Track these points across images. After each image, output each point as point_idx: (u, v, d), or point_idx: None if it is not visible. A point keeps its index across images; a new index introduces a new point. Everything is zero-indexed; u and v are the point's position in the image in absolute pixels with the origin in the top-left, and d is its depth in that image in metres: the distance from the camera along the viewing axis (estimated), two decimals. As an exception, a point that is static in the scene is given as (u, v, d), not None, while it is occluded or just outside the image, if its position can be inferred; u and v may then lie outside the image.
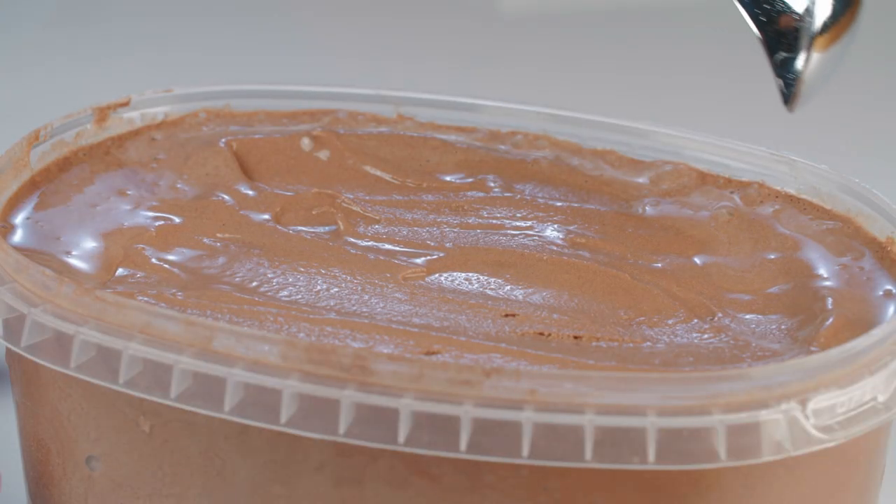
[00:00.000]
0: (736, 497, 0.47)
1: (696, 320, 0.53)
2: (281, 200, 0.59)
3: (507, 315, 0.53)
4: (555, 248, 0.57)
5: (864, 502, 0.51)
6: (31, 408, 0.52)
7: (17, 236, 0.55)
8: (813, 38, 0.49)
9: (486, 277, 0.55)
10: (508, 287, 0.55)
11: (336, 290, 0.54)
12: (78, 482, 0.51)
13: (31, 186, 0.58)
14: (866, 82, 1.26)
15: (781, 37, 0.51)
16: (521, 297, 0.54)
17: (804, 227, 0.58)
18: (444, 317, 0.52)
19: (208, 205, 0.58)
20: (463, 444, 0.44)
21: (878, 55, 1.31)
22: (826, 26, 0.50)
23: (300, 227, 0.58)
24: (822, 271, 0.55)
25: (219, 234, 0.57)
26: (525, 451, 0.44)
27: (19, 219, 0.56)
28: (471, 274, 0.56)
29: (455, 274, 0.56)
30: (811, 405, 0.46)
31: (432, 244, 0.57)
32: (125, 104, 0.63)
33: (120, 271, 0.53)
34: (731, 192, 0.61)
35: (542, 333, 0.52)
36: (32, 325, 0.49)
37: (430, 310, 0.53)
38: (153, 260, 0.54)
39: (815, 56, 0.50)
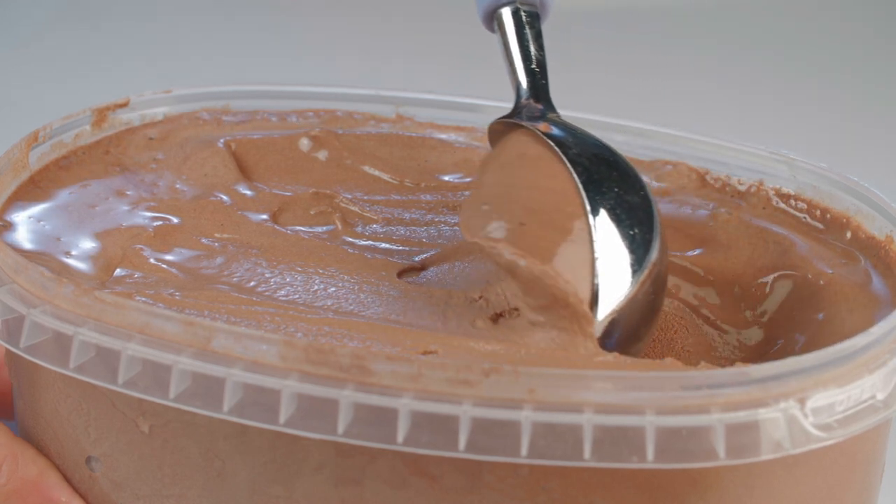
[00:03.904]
0: (735, 496, 0.47)
1: (695, 317, 0.53)
2: (279, 200, 0.59)
3: (505, 314, 0.53)
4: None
5: (863, 501, 0.51)
6: (31, 408, 0.52)
7: (16, 237, 0.55)
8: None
9: (484, 277, 0.55)
10: (507, 286, 0.55)
11: (334, 289, 0.53)
12: (78, 483, 0.51)
13: (30, 187, 0.58)
14: (866, 82, 1.26)
15: None
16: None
17: (803, 225, 0.58)
18: (443, 316, 0.52)
19: (207, 205, 0.58)
20: (462, 444, 0.44)
21: (877, 55, 1.31)
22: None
23: (298, 227, 0.58)
24: (821, 269, 0.55)
25: (217, 235, 0.56)
26: (524, 450, 0.44)
27: (18, 219, 0.56)
28: (469, 274, 0.56)
29: (454, 273, 0.55)
30: (810, 403, 0.45)
31: (430, 244, 0.57)
32: (124, 105, 0.63)
33: (118, 272, 0.53)
34: (731, 191, 0.61)
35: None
36: (32, 325, 0.49)
37: (429, 309, 0.53)
38: (151, 260, 0.54)
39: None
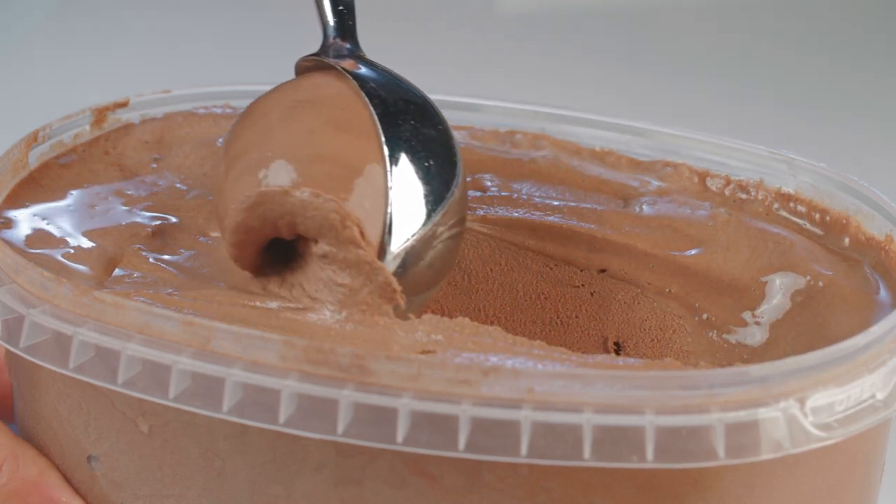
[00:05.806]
0: (735, 495, 0.47)
1: (695, 317, 0.53)
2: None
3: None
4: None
5: (863, 500, 0.51)
6: (31, 408, 0.52)
7: (16, 237, 0.55)
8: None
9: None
10: (506, 285, 0.55)
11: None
12: (78, 483, 0.51)
13: (30, 187, 0.58)
14: (865, 81, 1.26)
15: None
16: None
17: (803, 225, 0.58)
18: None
19: (205, 204, 0.58)
20: (461, 444, 0.44)
21: (877, 55, 1.31)
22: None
23: (298, 227, 0.58)
24: (821, 269, 0.55)
25: (215, 234, 0.56)
26: (524, 450, 0.44)
27: (18, 219, 0.56)
28: (468, 273, 0.56)
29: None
30: (810, 403, 0.45)
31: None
32: (124, 105, 0.63)
33: (117, 271, 0.53)
34: (730, 191, 0.61)
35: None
36: (31, 325, 0.49)
37: (428, 309, 0.53)
38: (150, 260, 0.54)
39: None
